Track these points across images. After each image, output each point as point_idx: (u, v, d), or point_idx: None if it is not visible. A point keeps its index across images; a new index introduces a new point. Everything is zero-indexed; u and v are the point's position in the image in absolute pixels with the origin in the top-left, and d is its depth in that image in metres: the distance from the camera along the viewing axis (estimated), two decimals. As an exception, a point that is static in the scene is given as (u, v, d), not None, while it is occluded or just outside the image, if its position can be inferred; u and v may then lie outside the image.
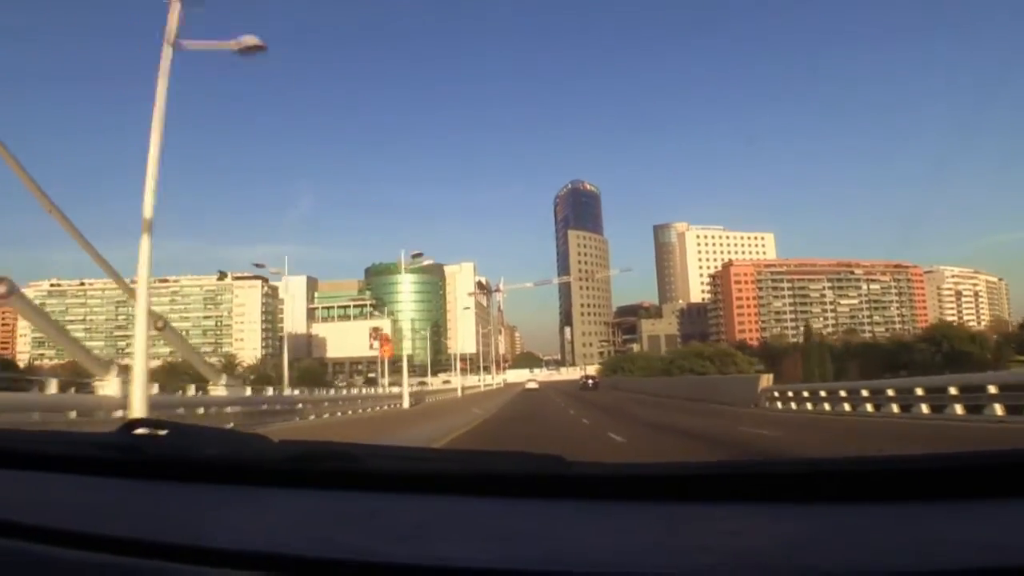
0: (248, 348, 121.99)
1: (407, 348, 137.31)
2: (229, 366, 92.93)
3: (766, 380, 24.02)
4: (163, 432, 1.47)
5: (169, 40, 10.42)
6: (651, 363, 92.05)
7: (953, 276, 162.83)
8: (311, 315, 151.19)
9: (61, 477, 1.37)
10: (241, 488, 1.28)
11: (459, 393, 48.47)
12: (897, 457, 1.06)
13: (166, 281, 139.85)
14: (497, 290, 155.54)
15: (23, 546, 0.97)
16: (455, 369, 58.41)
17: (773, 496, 1.04)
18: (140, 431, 1.49)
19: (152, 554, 0.93)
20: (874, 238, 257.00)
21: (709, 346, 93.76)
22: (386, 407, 28.12)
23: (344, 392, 34.81)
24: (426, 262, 31.75)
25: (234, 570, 0.89)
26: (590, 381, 69.98)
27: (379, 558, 0.88)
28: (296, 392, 28.71)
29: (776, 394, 21.76)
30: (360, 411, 25.72)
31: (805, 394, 20.00)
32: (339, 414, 23.15)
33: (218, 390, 19.48)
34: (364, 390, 41.95)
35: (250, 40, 10.91)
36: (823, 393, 18.87)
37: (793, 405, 20.12)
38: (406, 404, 26.87)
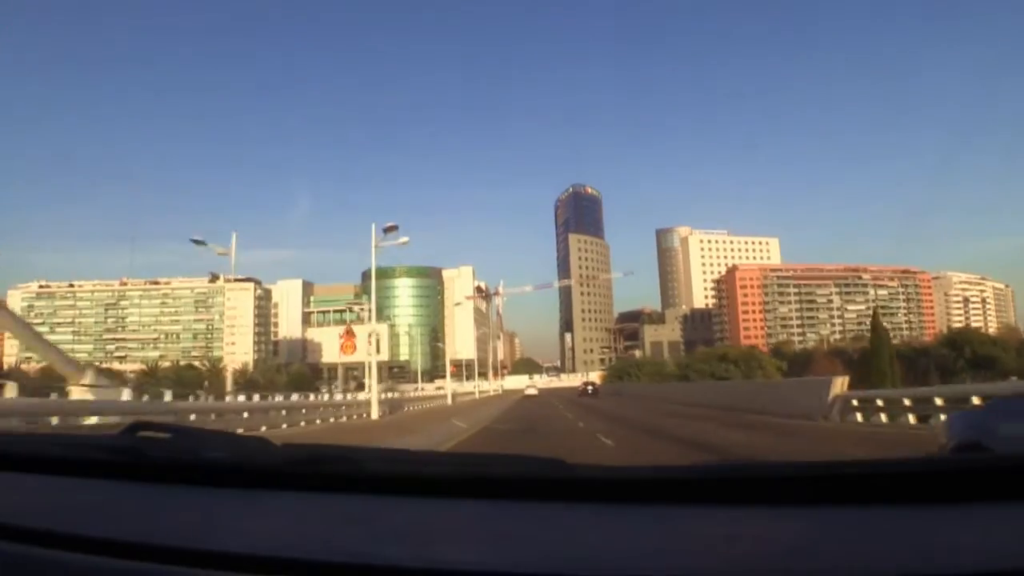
0: (240, 353, 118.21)
1: (404, 353, 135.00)
2: (214, 371, 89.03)
3: (840, 384, 19.31)
4: (166, 435, 1.48)
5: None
6: (661, 368, 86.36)
7: (960, 282, 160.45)
8: (306, 319, 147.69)
9: (63, 480, 1.37)
10: (242, 491, 1.28)
11: (449, 400, 44.30)
12: (897, 460, 1.08)
13: (157, 283, 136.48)
14: (496, 293, 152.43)
15: (25, 549, 0.97)
16: (447, 374, 54.63)
17: (773, 499, 1.04)
18: (143, 434, 1.49)
19: (153, 557, 0.93)
20: (879, 244, 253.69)
21: (732, 348, 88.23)
22: (344, 419, 23.41)
23: (304, 399, 27.80)
24: (401, 240, 26.54)
25: (235, 573, 0.89)
26: (589, 387, 66.10)
27: (380, 561, 0.88)
28: (239, 399, 23.29)
29: (856, 403, 18.07)
30: (306, 423, 20.80)
31: (906, 402, 15.80)
32: (264, 428, 18.23)
33: (78, 392, 15.07)
34: (334, 396, 35.77)
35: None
36: (939, 401, 14.53)
37: (883, 417, 16.35)
38: (375, 414, 22.13)
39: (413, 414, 26.51)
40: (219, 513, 1.19)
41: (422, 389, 68.98)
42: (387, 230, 24.15)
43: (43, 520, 1.06)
